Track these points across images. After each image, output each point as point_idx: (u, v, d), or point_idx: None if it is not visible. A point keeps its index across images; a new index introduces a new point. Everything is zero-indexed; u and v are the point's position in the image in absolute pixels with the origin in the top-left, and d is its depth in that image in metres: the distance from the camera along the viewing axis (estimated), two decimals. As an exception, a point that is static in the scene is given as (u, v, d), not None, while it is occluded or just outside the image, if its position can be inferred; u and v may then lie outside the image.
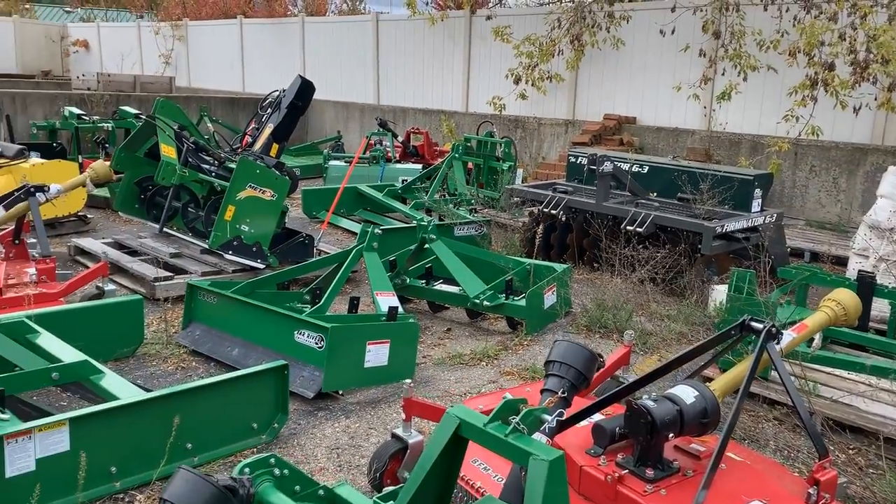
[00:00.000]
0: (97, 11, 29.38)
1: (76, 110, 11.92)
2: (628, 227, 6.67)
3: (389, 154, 11.63)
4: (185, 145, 6.85)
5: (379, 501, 2.48)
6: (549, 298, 5.89)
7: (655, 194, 7.53)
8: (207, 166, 6.98)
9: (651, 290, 6.36)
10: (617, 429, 2.90)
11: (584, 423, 3.30)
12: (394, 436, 3.44)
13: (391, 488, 2.59)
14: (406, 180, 10.01)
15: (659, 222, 6.71)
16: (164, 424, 3.43)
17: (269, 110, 7.18)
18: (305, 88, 7.10)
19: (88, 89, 14.64)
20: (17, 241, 5.99)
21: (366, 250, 5.45)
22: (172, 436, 3.43)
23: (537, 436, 2.25)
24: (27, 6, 33.09)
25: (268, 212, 6.53)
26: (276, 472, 2.50)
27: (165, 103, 7.29)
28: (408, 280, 6.10)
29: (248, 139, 7.59)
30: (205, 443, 3.64)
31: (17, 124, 12.05)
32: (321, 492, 2.64)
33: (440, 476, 2.26)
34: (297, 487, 2.57)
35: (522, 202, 8.42)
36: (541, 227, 7.93)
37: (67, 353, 3.92)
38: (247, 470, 2.42)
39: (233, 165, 6.62)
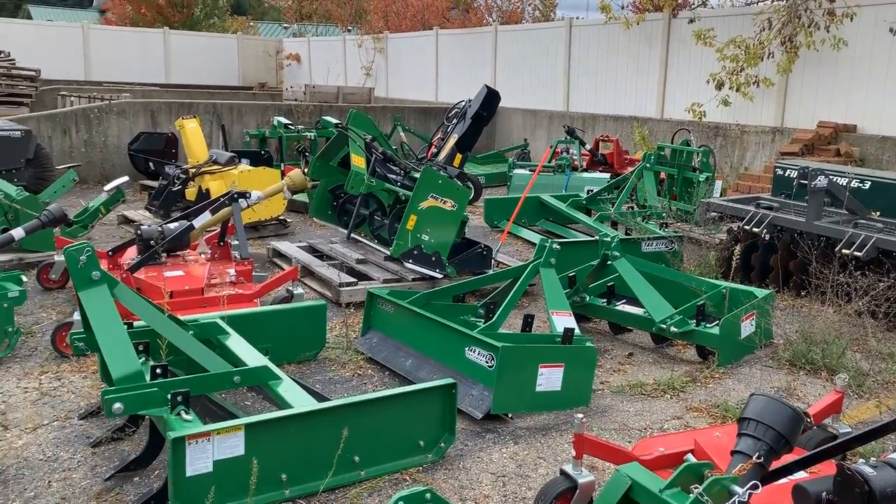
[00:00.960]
0: (309, 27, 31.65)
1: (284, 120, 12.79)
2: (844, 251, 5.89)
3: (576, 163, 11.31)
4: (374, 155, 7.03)
5: (539, 553, 2.27)
6: (747, 327, 5.32)
7: (879, 214, 6.60)
8: (394, 176, 7.12)
9: (870, 324, 5.55)
10: (824, 494, 2.46)
11: (783, 480, 2.87)
12: (562, 472, 3.19)
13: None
14: (592, 190, 9.65)
15: (883, 246, 5.85)
16: (333, 435, 3.44)
17: (455, 120, 7.18)
18: (491, 98, 7.02)
19: (296, 100, 15.71)
20: (221, 244, 6.45)
21: (542, 266, 5.23)
22: (341, 448, 3.43)
23: (725, 508, 1.91)
24: (252, 24, 36.48)
25: (448, 222, 6.52)
26: (432, 508, 2.37)
27: (357, 114, 7.53)
28: (587, 298, 5.80)
29: (434, 149, 7.66)
30: (372, 457, 3.62)
31: (233, 133, 13.18)
32: (478, 533, 2.47)
33: (607, 538, 2.00)
34: (453, 526, 2.43)
35: (720, 217, 7.76)
36: (740, 245, 7.24)
37: (251, 357, 4.08)
38: (402, 503, 2.31)
39: (417, 175, 6.68)
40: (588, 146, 11.88)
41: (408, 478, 3.65)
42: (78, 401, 4.35)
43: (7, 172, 8.36)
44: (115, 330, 3.53)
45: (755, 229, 6.70)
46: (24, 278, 5.13)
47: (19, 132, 8.86)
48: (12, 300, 4.81)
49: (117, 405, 3.31)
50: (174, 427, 3.26)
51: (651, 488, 1.84)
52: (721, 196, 8.79)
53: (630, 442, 4.00)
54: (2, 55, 16.42)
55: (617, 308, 5.73)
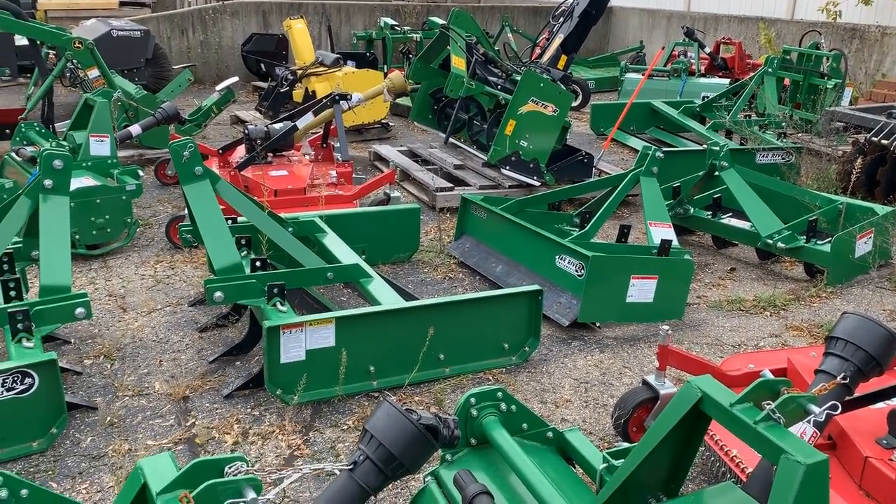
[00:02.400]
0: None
1: (390, 21, 12.65)
2: None
3: (693, 67, 10.66)
4: (475, 57, 6.86)
5: (608, 457, 2.28)
6: (863, 246, 4.98)
7: None
8: (495, 79, 6.95)
9: None
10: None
11: (879, 405, 2.73)
12: (644, 382, 3.17)
13: (624, 445, 2.37)
14: (708, 97, 9.10)
15: None
16: (419, 333, 3.54)
17: (562, 19, 6.87)
18: (600, -5, 6.64)
19: (404, 0, 15.44)
20: (324, 145, 6.58)
21: (643, 175, 5.04)
22: (426, 345, 3.53)
23: (800, 427, 1.85)
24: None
25: (548, 127, 6.35)
26: (503, 406, 2.41)
27: (460, 14, 7.33)
28: (691, 210, 5.57)
29: (539, 51, 7.39)
30: (456, 356, 3.71)
31: (341, 34, 13.19)
32: (549, 434, 2.51)
33: (675, 449, 1.98)
34: (525, 425, 2.47)
35: (846, 128, 7.18)
36: (864, 158, 6.70)
37: (345, 255, 4.22)
38: (473, 400, 2.36)
39: (518, 78, 6.50)
40: (708, 49, 11.14)
41: (490, 377, 3.73)
42: (188, 289, 4.66)
43: (128, 72, 8.76)
44: (216, 223, 3.71)
45: (884, 141, 6.16)
46: (142, 173, 5.45)
47: (139, 32, 9.20)
48: (130, 193, 5.13)
49: (218, 294, 3.53)
50: (270, 317, 3.44)
51: (722, 402, 1.79)
52: (850, 105, 8.08)
53: (721, 357, 3.91)
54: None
55: (722, 221, 5.48)
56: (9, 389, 2.91)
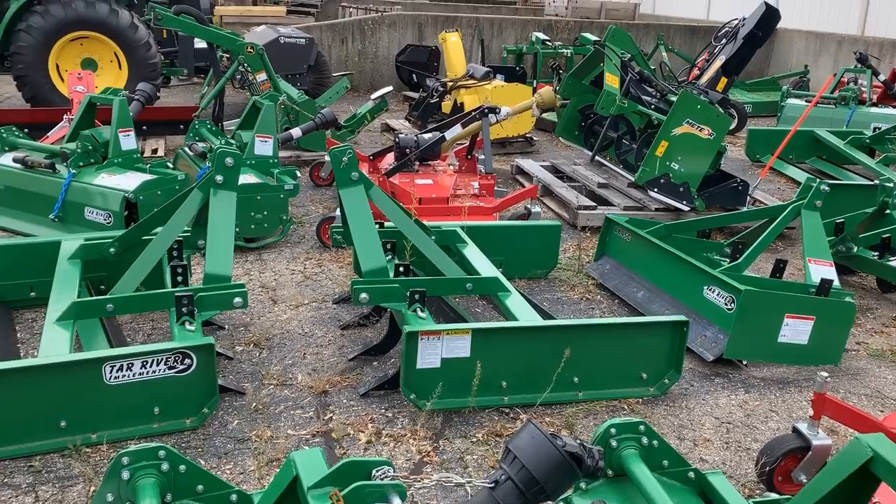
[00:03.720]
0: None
1: (542, 35, 12.65)
2: None
3: (864, 95, 9.91)
4: (629, 75, 6.73)
5: (756, 506, 2.15)
6: None
7: None
8: (648, 98, 6.78)
9: None
10: None
11: None
12: (795, 430, 2.97)
13: (772, 496, 2.22)
14: (879, 128, 8.43)
15: None
16: (555, 353, 3.49)
17: (724, 40, 6.60)
18: (769, 17, 6.32)
19: (556, 15, 15.42)
20: (469, 157, 6.67)
21: (805, 207, 4.72)
22: (561, 366, 3.48)
23: None
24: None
25: (702, 151, 6.11)
26: (644, 440, 2.33)
27: (617, 31, 7.21)
28: (855, 249, 5.17)
29: (697, 71, 7.14)
30: (591, 380, 3.63)
31: (492, 48, 13.34)
32: (691, 474, 2.40)
33: (835, 509, 1.83)
34: (666, 462, 2.37)
35: None
36: None
37: (484, 267, 4.24)
38: (613, 430, 2.30)
39: (674, 99, 6.30)
40: (882, 77, 10.33)
41: (626, 407, 3.62)
42: (334, 287, 4.85)
43: (291, 76, 9.27)
44: (367, 227, 3.84)
45: None
46: (299, 174, 5.74)
47: (304, 40, 9.72)
48: (287, 192, 5.41)
49: (363, 295, 3.64)
50: (410, 322, 3.51)
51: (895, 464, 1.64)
52: None
53: (882, 412, 3.59)
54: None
55: (890, 264, 5.05)
56: (170, 368, 3.13)
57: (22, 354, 3.78)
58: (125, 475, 2.06)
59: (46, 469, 2.94)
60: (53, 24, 8.07)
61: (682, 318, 3.69)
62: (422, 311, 3.62)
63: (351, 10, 16.61)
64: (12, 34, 8.11)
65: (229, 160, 3.69)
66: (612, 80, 6.69)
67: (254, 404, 3.45)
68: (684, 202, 6.14)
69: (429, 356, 3.40)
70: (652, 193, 6.22)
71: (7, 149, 5.71)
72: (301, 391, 3.61)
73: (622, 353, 3.68)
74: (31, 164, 5.36)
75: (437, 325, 3.47)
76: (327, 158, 7.01)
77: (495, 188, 6.21)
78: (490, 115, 6.41)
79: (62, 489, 2.84)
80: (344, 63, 12.73)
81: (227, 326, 4.19)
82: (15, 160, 5.42)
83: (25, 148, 5.72)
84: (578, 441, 1.86)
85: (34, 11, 8.07)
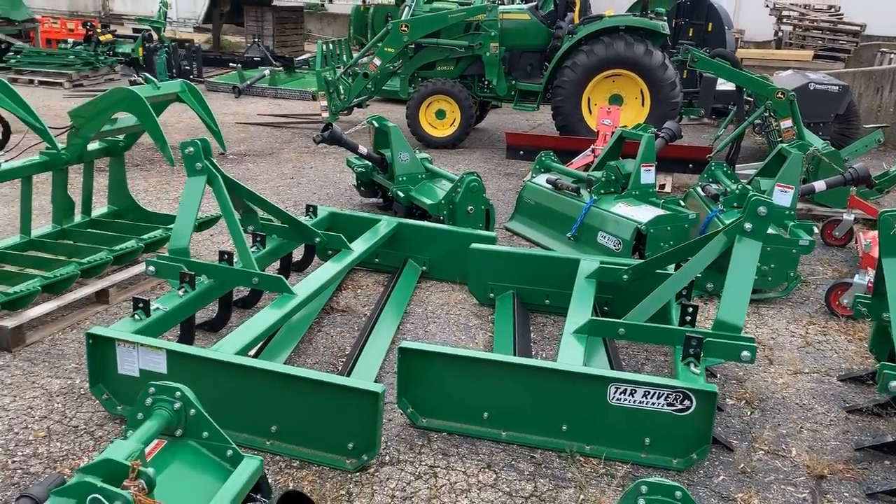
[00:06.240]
0: None
1: None
2: None
3: None
4: None
5: None
6: None
7: None
8: None
9: None
10: None
11: None
12: None
13: None
14: None
15: None
16: None
17: None
18: None
19: None
20: None
21: None
22: None
23: None
24: None
25: None
26: None
27: None
28: None
29: None
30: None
31: None
32: None
33: None
34: None
35: None
36: None
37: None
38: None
39: None
40: None
41: None
42: (840, 361, 4.35)
43: (815, 125, 8.63)
44: None
45: None
46: (816, 230, 5.29)
47: (837, 87, 8.96)
48: (801, 248, 5.03)
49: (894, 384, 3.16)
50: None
51: None
52: None
53: None
54: (832, 9, 16.77)
55: None
56: (669, 404, 3.16)
57: (533, 353, 4.24)
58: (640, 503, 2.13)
59: (545, 464, 3.23)
60: (595, 61, 8.92)
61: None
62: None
63: (891, 56, 14.77)
64: (558, 70, 9.22)
65: (762, 209, 3.56)
66: None
67: (741, 465, 3.28)
68: None
69: None
70: None
71: (543, 170, 6.51)
72: (796, 467, 3.30)
73: None
74: (560, 186, 6.00)
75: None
76: (846, 216, 6.37)
77: None
78: None
79: (556, 488, 3.09)
80: (875, 114, 11.39)
81: (718, 375, 4.07)
82: (548, 181, 6.13)
83: (557, 171, 6.44)
84: None
85: (581, 50, 9.03)
